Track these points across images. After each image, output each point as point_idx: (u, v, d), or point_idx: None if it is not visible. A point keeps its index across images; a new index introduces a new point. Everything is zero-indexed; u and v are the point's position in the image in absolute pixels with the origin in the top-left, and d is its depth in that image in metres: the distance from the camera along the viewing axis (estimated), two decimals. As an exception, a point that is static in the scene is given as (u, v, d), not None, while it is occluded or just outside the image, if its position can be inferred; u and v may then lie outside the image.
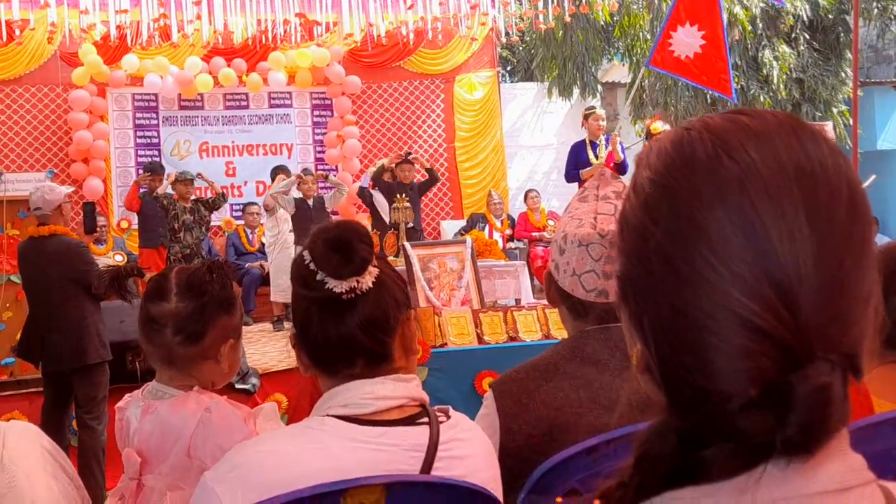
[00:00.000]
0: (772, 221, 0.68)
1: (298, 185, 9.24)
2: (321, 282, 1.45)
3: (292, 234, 9.31)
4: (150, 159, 11.38)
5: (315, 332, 1.48)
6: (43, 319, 5.24)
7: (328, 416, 1.45)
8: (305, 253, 1.50)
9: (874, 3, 12.17)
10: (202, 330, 2.00)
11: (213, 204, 9.23)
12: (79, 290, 5.20)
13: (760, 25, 11.94)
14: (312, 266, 1.47)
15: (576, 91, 13.92)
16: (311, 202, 9.16)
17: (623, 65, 14.10)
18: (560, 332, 5.18)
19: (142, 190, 9.76)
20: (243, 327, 2.22)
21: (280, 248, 9.67)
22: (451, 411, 1.54)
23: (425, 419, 1.47)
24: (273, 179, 9.80)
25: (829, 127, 8.46)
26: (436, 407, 1.52)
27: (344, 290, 1.45)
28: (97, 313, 5.31)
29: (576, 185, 8.59)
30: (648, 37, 12.49)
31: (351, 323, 1.46)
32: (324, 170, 11.62)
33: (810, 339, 0.67)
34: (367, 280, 1.47)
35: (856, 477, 0.70)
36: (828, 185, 0.70)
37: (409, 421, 1.46)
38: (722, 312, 0.68)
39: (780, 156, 0.71)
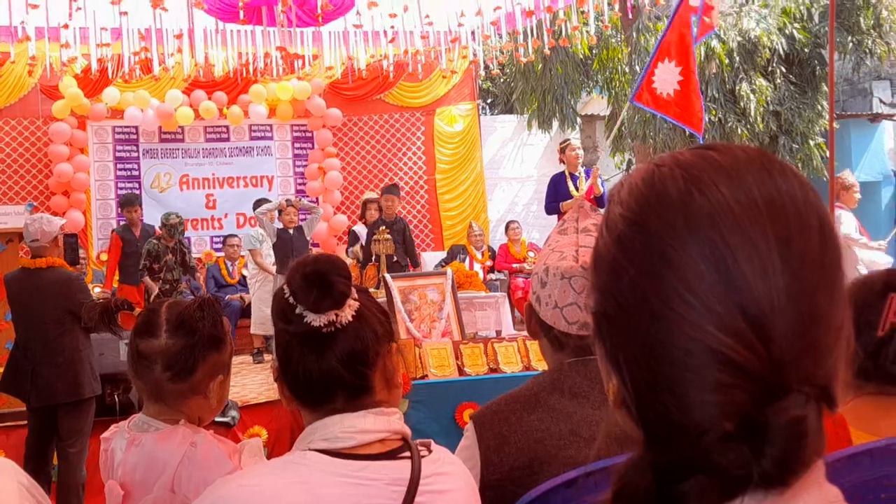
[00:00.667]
0: (744, 256, 0.69)
1: (280, 214, 9.24)
2: (300, 315, 1.45)
3: (274, 266, 9.30)
4: (129, 191, 11.32)
5: (296, 367, 1.47)
6: (35, 353, 5.15)
7: (310, 450, 1.44)
8: (285, 286, 1.50)
9: (849, 38, 12.32)
10: (192, 367, 1.99)
11: (184, 263, 9.13)
12: (74, 323, 5.13)
13: (737, 59, 12.06)
14: (292, 300, 1.46)
15: (555, 123, 13.98)
16: (291, 231, 9.17)
17: (602, 97, 14.18)
18: (541, 364, 5.16)
19: (122, 223, 9.73)
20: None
21: (262, 280, 9.65)
22: (433, 445, 1.53)
23: (407, 453, 1.46)
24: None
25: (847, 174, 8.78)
26: (417, 441, 1.51)
27: (323, 324, 1.44)
28: (90, 347, 5.26)
29: (556, 217, 8.61)
30: (627, 70, 12.60)
31: (331, 357, 1.45)
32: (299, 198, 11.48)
33: (784, 371, 0.67)
34: (347, 313, 1.46)
35: (831, 509, 0.70)
36: (799, 218, 0.71)
37: (391, 455, 1.45)
38: (696, 347, 0.68)
39: (750, 191, 0.71)
